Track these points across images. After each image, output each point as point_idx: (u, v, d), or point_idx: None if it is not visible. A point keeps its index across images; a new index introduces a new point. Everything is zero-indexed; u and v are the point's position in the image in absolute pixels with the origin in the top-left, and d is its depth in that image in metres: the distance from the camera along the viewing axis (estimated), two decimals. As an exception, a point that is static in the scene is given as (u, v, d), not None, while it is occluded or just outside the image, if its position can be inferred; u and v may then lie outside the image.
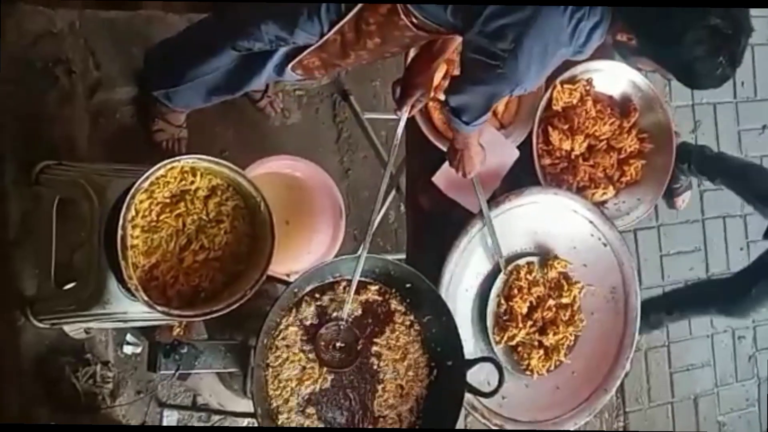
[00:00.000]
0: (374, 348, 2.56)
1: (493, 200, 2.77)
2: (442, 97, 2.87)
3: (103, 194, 2.45)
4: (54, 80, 2.99)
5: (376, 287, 2.57)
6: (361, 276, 2.52)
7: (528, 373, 2.80)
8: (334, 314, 2.51)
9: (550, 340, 2.81)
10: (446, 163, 2.77)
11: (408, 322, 2.59)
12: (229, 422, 3.31)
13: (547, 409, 2.86)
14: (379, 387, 2.56)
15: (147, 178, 2.30)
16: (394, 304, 2.59)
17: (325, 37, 2.44)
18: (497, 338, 2.77)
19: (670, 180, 3.16)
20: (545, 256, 2.85)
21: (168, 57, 2.96)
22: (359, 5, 2.34)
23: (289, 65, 2.62)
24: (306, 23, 2.43)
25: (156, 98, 3.00)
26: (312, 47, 2.50)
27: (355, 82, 3.60)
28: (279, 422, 2.41)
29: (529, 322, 2.80)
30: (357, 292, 2.53)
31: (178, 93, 2.93)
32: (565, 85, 2.97)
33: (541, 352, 2.81)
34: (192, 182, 2.43)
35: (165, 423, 3.19)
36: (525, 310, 2.80)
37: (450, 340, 2.56)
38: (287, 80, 2.76)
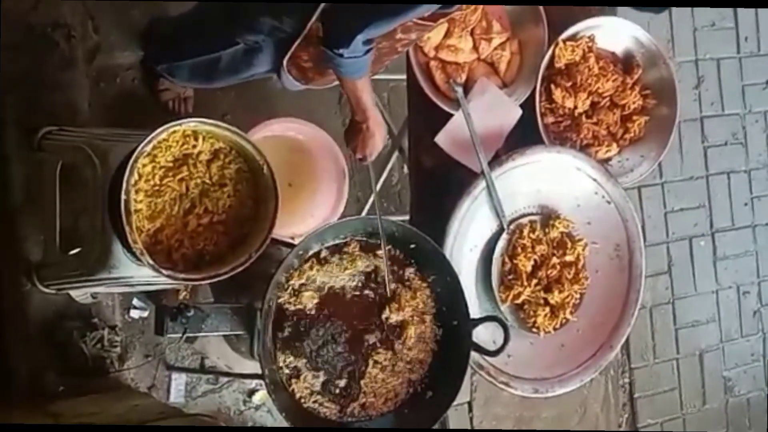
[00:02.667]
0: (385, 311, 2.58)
1: (496, 160, 2.76)
2: (443, 56, 2.87)
3: (106, 159, 2.45)
4: (54, 45, 2.98)
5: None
6: (366, 237, 2.53)
7: (534, 331, 2.81)
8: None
9: (555, 298, 2.81)
10: (449, 124, 2.76)
11: (418, 282, 2.60)
12: (237, 384, 3.33)
13: (552, 366, 2.87)
14: (382, 348, 2.58)
15: (149, 142, 2.30)
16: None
17: (309, 24, 2.37)
18: (503, 297, 2.78)
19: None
20: (547, 217, 2.85)
21: (172, 36, 2.95)
22: None
23: (284, 63, 2.57)
24: (292, 13, 2.40)
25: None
26: (300, 37, 2.45)
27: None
28: (278, 363, 2.44)
29: (534, 281, 2.80)
30: (366, 253, 2.55)
31: (180, 69, 2.92)
32: (568, 43, 2.95)
33: (547, 310, 2.81)
34: (194, 146, 2.43)
35: (173, 385, 3.21)
36: (529, 269, 2.80)
37: (455, 300, 2.57)
38: (289, 87, 2.72)
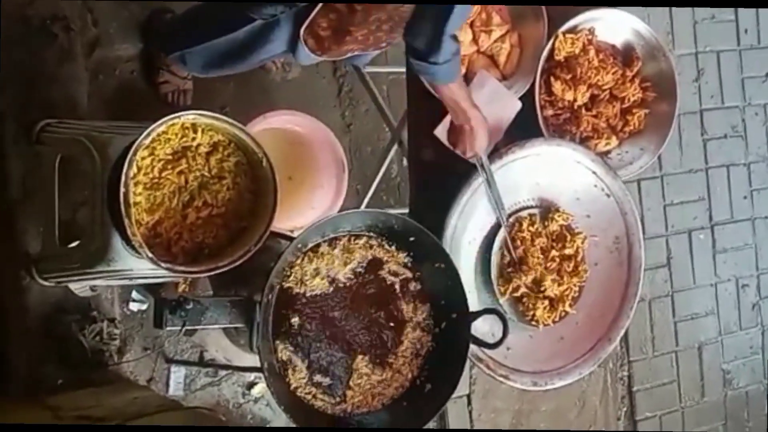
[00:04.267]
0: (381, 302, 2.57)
1: (496, 152, 2.76)
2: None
3: (105, 152, 2.45)
4: (52, 38, 2.97)
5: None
6: (365, 230, 2.53)
7: (533, 323, 2.81)
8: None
9: (554, 290, 2.82)
10: (448, 116, 2.76)
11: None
12: (236, 377, 3.34)
13: (551, 359, 2.87)
14: (380, 341, 2.57)
15: (148, 134, 2.30)
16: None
17: None
18: (501, 290, 2.78)
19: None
20: (547, 209, 2.85)
21: (184, 22, 2.94)
22: None
23: (301, 34, 2.55)
24: None
25: (163, 54, 2.98)
26: (318, 5, 2.44)
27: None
28: (277, 356, 2.44)
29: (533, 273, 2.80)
30: (366, 245, 2.56)
31: (193, 55, 2.90)
32: (567, 35, 2.94)
33: (546, 302, 2.81)
34: (193, 138, 2.43)
35: (172, 378, 3.21)
36: (530, 261, 2.81)
37: (454, 293, 2.57)
38: (303, 61, 2.70)
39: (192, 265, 2.42)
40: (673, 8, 4.54)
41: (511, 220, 2.79)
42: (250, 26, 2.59)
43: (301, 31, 2.53)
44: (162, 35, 3.08)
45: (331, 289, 2.52)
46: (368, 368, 2.54)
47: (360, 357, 2.53)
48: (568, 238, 2.84)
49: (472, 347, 2.58)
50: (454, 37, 2.32)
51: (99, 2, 3.08)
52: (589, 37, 2.99)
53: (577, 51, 2.96)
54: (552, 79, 2.94)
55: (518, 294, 2.79)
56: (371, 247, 2.57)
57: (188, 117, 2.37)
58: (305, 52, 2.63)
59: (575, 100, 2.97)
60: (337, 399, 2.52)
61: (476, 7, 2.87)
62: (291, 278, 2.46)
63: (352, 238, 2.55)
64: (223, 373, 3.32)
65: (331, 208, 3.41)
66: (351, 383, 2.53)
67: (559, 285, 2.82)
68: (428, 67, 2.34)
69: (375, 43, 2.62)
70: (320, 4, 2.43)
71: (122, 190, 2.24)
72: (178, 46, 2.94)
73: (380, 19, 2.45)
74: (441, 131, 2.77)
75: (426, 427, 2.58)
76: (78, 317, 2.94)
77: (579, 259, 2.87)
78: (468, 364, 2.61)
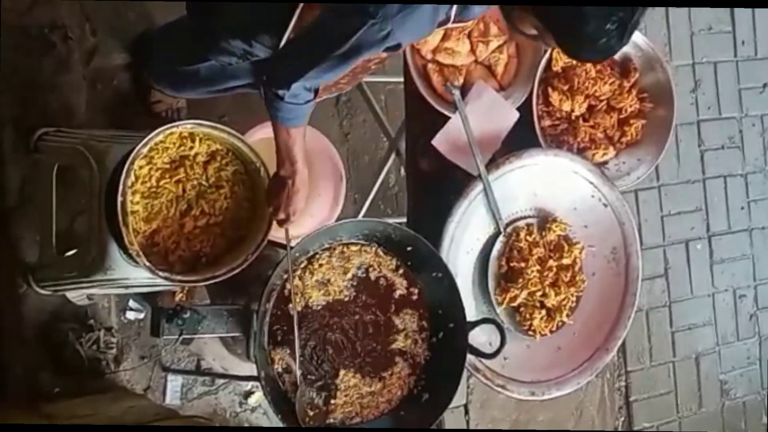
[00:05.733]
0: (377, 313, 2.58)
1: (493, 163, 2.76)
2: (440, 58, 2.87)
3: (103, 161, 2.45)
4: (51, 46, 2.98)
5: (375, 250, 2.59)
6: (363, 240, 2.54)
7: (530, 333, 2.81)
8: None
9: (552, 300, 2.82)
10: (446, 126, 2.76)
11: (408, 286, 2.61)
12: (233, 386, 3.33)
13: (548, 369, 2.87)
14: (376, 350, 2.58)
15: (146, 143, 2.30)
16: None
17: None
18: (499, 299, 2.78)
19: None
20: (544, 219, 2.85)
21: (157, 43, 2.95)
22: (297, 12, 2.21)
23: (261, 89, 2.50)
24: (262, 36, 2.33)
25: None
26: None
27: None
28: (274, 365, 2.44)
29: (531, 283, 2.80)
30: (363, 255, 2.57)
31: (162, 76, 2.93)
32: (565, 46, 2.95)
33: (544, 312, 2.82)
34: (191, 148, 2.43)
35: (169, 387, 3.21)
36: (528, 272, 2.81)
37: (452, 303, 2.57)
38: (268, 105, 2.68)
39: (189, 274, 2.42)
40: (671, 19, 4.55)
41: (508, 229, 2.79)
42: (210, 63, 2.58)
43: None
44: (139, 51, 3.09)
45: (328, 298, 2.52)
46: (363, 379, 2.54)
47: (355, 367, 2.53)
48: (566, 248, 2.84)
49: (470, 357, 2.58)
50: (313, 90, 2.18)
51: (98, 12, 3.08)
52: (587, 47, 3.00)
53: (574, 62, 2.97)
54: (549, 89, 2.94)
55: (515, 304, 2.79)
56: (367, 255, 2.57)
57: (186, 126, 2.38)
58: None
59: (573, 110, 2.98)
60: (332, 408, 2.52)
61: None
62: (288, 287, 2.46)
63: (349, 246, 2.55)
64: (220, 382, 3.31)
65: (329, 217, 3.41)
66: (346, 393, 2.53)
67: (557, 295, 2.82)
68: (272, 97, 2.16)
69: (338, 88, 2.54)
70: None
71: (120, 198, 2.24)
72: (149, 64, 2.98)
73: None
74: (439, 141, 2.77)
75: (423, 436, 2.59)
76: (75, 326, 2.94)
77: (576, 269, 2.87)
78: (465, 373, 2.62)
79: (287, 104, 2.15)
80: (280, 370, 2.44)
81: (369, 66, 2.42)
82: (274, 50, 2.32)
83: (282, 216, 2.41)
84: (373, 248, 2.58)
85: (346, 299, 2.55)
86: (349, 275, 2.55)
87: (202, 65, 2.64)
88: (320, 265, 2.51)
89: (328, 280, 2.53)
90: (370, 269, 2.58)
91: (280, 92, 2.12)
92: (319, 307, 2.51)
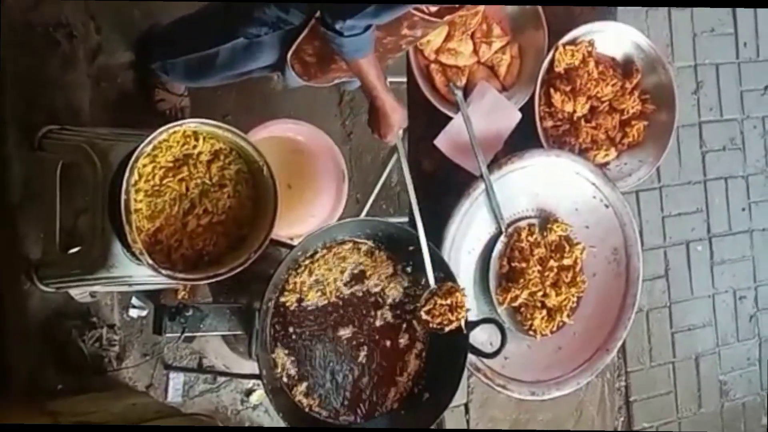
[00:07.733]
0: (379, 311, 2.59)
1: (495, 163, 2.77)
2: (443, 59, 2.88)
3: (106, 159, 2.45)
4: (55, 45, 2.99)
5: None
6: (365, 239, 2.54)
7: (531, 333, 2.81)
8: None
9: (552, 301, 2.82)
10: (449, 126, 2.77)
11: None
12: (235, 384, 3.34)
13: (549, 369, 2.88)
14: (378, 349, 2.59)
15: (149, 142, 2.30)
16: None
17: (315, 15, 2.36)
18: (500, 299, 2.79)
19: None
20: (546, 220, 2.86)
21: (170, 33, 2.95)
22: None
23: (288, 59, 2.56)
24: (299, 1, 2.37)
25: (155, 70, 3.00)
26: (306, 29, 2.43)
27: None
28: (276, 363, 2.45)
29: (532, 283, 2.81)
30: (365, 255, 2.58)
31: (175, 65, 2.92)
32: (567, 47, 2.96)
33: (544, 312, 2.82)
34: (194, 146, 2.44)
35: (171, 385, 3.22)
36: (529, 273, 2.81)
37: (453, 302, 2.58)
38: (291, 84, 2.71)
39: (192, 272, 2.42)
40: (673, 21, 4.55)
41: (510, 230, 2.80)
42: (232, 44, 2.60)
43: (288, 55, 2.55)
44: (147, 44, 3.09)
45: (330, 297, 2.53)
46: (367, 375, 2.55)
47: (357, 365, 2.54)
48: (567, 248, 2.85)
49: (470, 356, 2.59)
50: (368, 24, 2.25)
51: (102, 10, 3.09)
52: (589, 49, 3.01)
53: (576, 63, 2.98)
54: (552, 90, 2.95)
55: (516, 304, 2.80)
56: (370, 256, 2.58)
57: (190, 125, 2.38)
58: (293, 76, 2.65)
59: (575, 111, 2.99)
60: (334, 407, 2.52)
61: (477, 18, 2.89)
62: (290, 286, 2.47)
63: (353, 247, 2.56)
64: (221, 379, 3.32)
65: (331, 216, 3.42)
66: (349, 391, 2.54)
67: (558, 295, 2.83)
68: (333, 35, 2.24)
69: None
70: (306, 31, 2.43)
71: (123, 197, 2.25)
72: (161, 55, 2.96)
73: None
74: (441, 141, 2.78)
75: (423, 435, 2.60)
76: (78, 323, 2.94)
77: (577, 269, 2.87)
78: (466, 373, 2.62)
79: (348, 38, 2.23)
80: (281, 368, 2.45)
81: (400, 45, 2.48)
82: (310, 15, 2.37)
83: (389, 139, 2.60)
84: (374, 248, 2.59)
85: (347, 298, 2.55)
86: (348, 273, 2.55)
87: (223, 47, 2.63)
88: (321, 264, 2.52)
89: (329, 279, 2.53)
90: (372, 269, 2.59)
91: (338, 26, 2.20)
92: (319, 306, 2.52)
